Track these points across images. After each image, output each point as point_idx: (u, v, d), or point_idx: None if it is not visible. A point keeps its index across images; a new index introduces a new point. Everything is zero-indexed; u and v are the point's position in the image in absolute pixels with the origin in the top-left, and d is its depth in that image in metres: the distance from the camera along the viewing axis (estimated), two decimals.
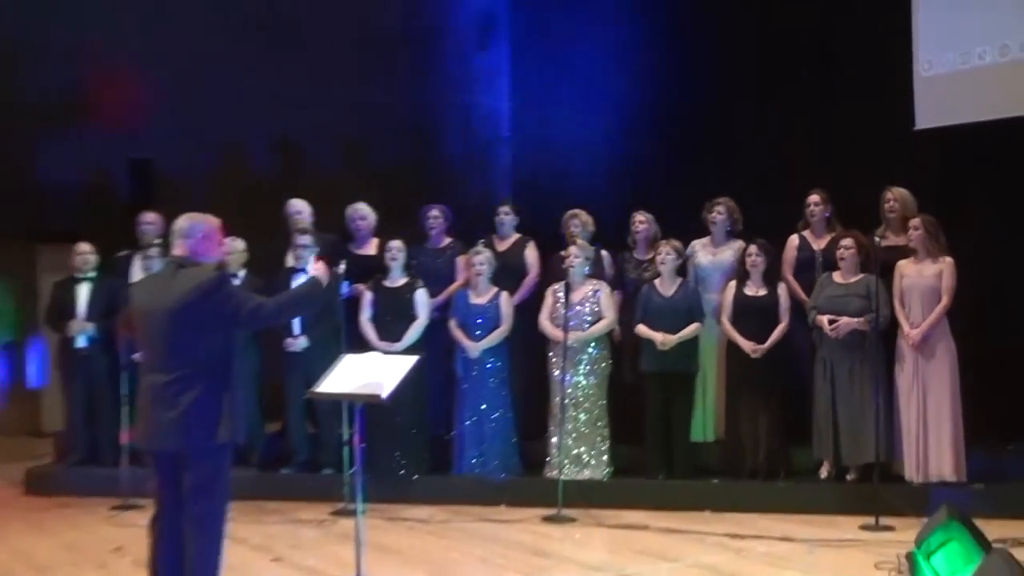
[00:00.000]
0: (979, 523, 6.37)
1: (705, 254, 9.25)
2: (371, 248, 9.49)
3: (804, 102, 11.17)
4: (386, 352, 7.50)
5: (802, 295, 8.82)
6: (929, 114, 11.14)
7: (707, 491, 8.74)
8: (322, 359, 8.64)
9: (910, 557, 6.52)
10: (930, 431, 8.32)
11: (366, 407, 6.46)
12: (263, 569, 7.17)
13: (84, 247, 9.95)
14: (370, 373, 6.03)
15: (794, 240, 9.18)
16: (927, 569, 6.36)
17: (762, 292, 8.78)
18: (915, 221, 8.41)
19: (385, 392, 5.86)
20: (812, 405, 8.67)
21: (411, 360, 6.14)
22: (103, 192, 12.31)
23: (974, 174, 10.27)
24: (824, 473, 8.65)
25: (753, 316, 8.76)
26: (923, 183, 9.08)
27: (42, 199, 12.45)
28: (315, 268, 6.12)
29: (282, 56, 13.04)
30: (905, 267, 8.44)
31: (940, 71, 11.09)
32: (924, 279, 8.35)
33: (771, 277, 8.86)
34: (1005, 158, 10.40)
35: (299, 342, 9.20)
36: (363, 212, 9.62)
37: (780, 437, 8.82)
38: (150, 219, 9.84)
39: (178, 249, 5.56)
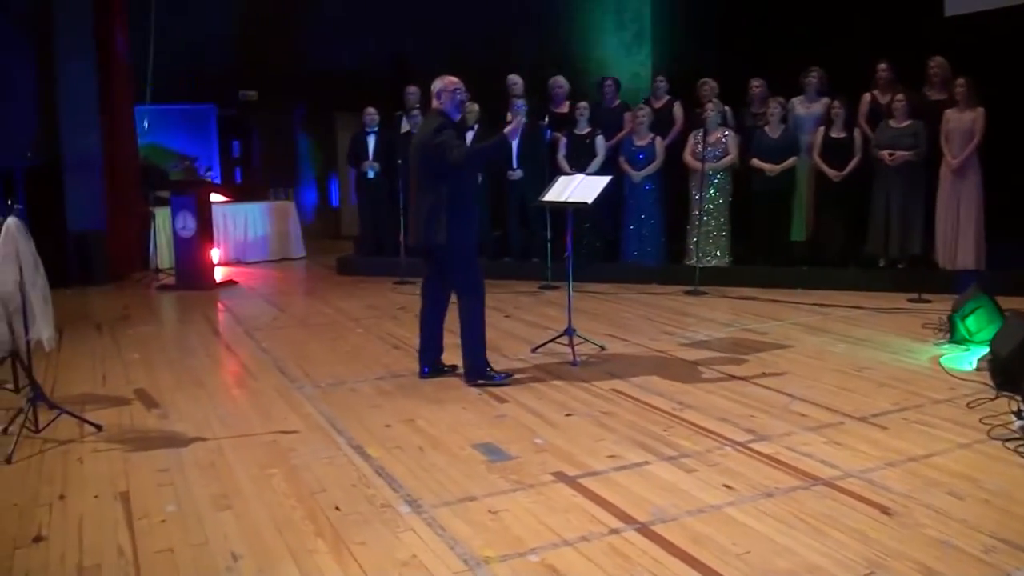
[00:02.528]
0: None
1: (801, 107, 8.80)
2: (565, 108, 9.29)
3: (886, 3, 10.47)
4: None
5: (872, 136, 8.39)
6: (957, 3, 10.42)
7: (799, 275, 8.54)
8: (532, 185, 8.77)
9: (950, 319, 6.34)
10: (960, 233, 8.00)
11: (573, 212, 6.26)
12: (501, 320, 7.30)
13: (371, 110, 9.98)
14: (578, 188, 5.97)
15: (867, 97, 8.66)
16: (962, 328, 6.22)
17: (843, 135, 8.37)
18: (960, 80, 7.88)
19: (591, 200, 5.83)
20: (871, 216, 8.32)
21: (606, 179, 6.01)
22: (376, 76, 12.30)
23: (990, 49, 9.61)
24: (882, 262, 8.39)
25: (835, 152, 8.38)
26: (953, 54, 8.43)
27: (338, 82, 12.55)
28: (512, 126, 5.51)
29: None
30: (950, 114, 7.95)
31: None
32: (963, 123, 7.88)
33: (849, 124, 8.45)
34: (1014, 37, 9.72)
35: (517, 173, 9.15)
36: (561, 82, 9.40)
37: (852, 237, 8.55)
38: (412, 90, 9.83)
39: (433, 103, 5.47)
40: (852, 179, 8.36)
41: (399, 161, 9.14)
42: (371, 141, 9.93)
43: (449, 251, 5.30)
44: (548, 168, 8.64)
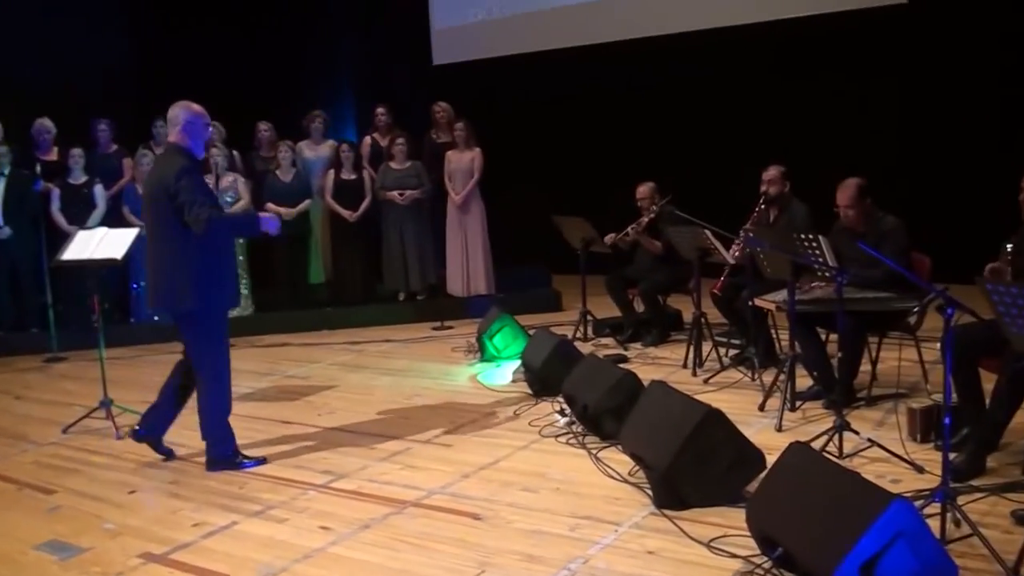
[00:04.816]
0: None
1: (309, 151, 9.21)
2: (53, 155, 8.58)
3: (376, 52, 11.39)
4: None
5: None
6: (442, 54, 11.86)
7: (324, 316, 8.93)
8: (22, 244, 8.10)
9: (479, 340, 7.14)
10: (470, 262, 9.02)
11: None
12: (12, 404, 6.61)
13: None
14: (103, 244, 5.69)
15: (367, 140, 9.40)
16: (491, 347, 7.02)
17: (353, 176, 8.95)
18: (460, 124, 8.89)
19: (120, 255, 5.57)
20: (387, 253, 9.04)
21: (134, 231, 5.77)
22: None
23: (476, 93, 11.03)
24: (401, 296, 9.12)
25: (348, 193, 8.92)
26: (451, 99, 9.55)
27: None
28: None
29: None
30: (451, 155, 8.94)
31: (447, 25, 11.76)
32: (464, 163, 8.89)
33: (358, 165, 9.05)
34: (496, 84, 11.28)
35: (4, 231, 8.17)
36: (47, 126, 8.61)
37: (370, 274, 9.20)
38: None
39: (172, 135, 4.72)
40: (366, 219, 8.98)
41: None
42: None
43: (197, 318, 4.70)
44: (42, 224, 7.99)
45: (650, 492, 4.03)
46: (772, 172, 6.16)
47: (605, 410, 4.81)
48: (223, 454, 4.90)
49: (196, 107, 4.73)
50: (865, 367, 5.43)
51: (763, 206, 6.15)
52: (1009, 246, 4.21)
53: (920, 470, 4.15)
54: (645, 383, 4.70)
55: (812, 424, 4.94)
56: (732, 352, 6.54)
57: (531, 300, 9.12)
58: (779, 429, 4.89)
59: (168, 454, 5.10)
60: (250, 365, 7.53)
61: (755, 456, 3.85)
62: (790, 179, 6.20)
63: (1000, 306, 3.07)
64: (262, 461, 4.95)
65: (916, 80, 8.87)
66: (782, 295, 5.16)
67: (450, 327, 8.49)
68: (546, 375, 5.78)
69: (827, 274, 4.76)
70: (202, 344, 4.83)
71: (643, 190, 7.20)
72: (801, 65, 9.43)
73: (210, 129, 4.92)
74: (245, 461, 4.92)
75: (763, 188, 6.15)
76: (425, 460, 4.83)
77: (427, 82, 11.31)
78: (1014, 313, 3.02)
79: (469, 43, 11.52)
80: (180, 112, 4.69)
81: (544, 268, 9.73)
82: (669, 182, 7.35)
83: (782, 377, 5.20)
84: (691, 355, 6.30)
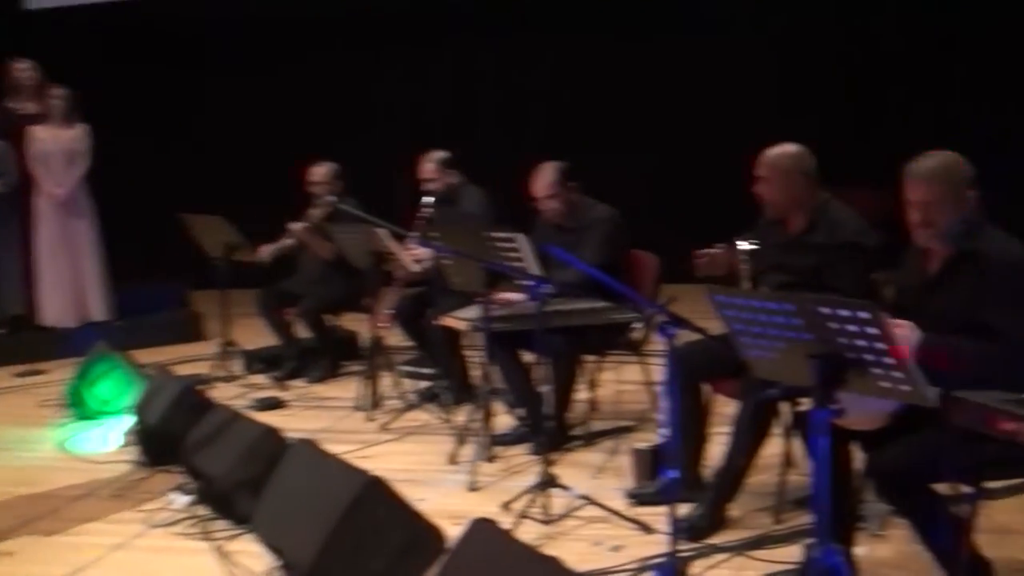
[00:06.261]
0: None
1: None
2: None
3: None
4: None
5: None
6: None
7: None
8: None
9: (74, 390, 6.51)
10: (78, 280, 8.42)
11: None
12: None
13: None
14: None
15: None
16: (91, 399, 6.45)
17: None
18: (57, 91, 8.24)
19: None
20: None
21: None
22: None
23: (81, 48, 10.31)
24: None
25: None
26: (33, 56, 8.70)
27: None
28: None
29: None
30: (40, 132, 8.23)
31: None
32: (62, 144, 8.24)
33: None
34: (108, 36, 10.61)
35: None
36: None
37: None
38: None
39: None
40: None
41: None
42: None
43: None
44: None
45: None
46: (428, 167, 6.23)
47: (238, 484, 4.34)
48: None
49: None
50: (585, 395, 5.38)
51: (431, 207, 6.05)
52: (744, 245, 4.09)
53: (647, 529, 4.06)
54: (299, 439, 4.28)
55: (516, 477, 4.78)
56: (423, 385, 6.31)
57: (161, 328, 8.69)
58: (473, 488, 4.68)
59: None
60: None
61: (429, 537, 3.53)
62: (455, 166, 6.30)
63: (737, 323, 2.86)
64: None
65: (647, 47, 9.23)
66: (475, 311, 4.93)
67: (42, 372, 7.79)
68: (164, 436, 5.20)
69: (527, 283, 4.55)
70: None
71: (319, 172, 6.90)
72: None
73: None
74: None
75: (421, 186, 6.18)
76: None
77: (11, 32, 10.46)
78: (755, 331, 2.82)
79: None
80: None
81: (177, 284, 9.27)
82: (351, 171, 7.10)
83: (478, 417, 4.98)
84: (367, 392, 6.04)
